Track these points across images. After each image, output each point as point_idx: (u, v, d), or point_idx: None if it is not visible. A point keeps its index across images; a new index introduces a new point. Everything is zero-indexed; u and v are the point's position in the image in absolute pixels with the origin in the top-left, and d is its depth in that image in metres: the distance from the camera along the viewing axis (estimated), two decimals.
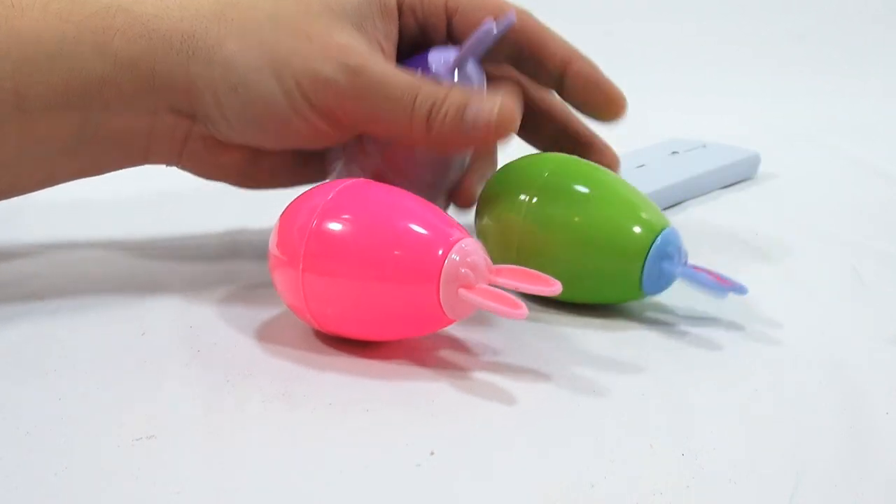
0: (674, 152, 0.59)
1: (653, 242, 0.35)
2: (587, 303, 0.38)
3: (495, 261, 0.33)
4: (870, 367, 0.33)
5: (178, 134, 0.37)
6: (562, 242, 0.36)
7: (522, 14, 0.41)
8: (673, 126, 0.67)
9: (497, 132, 0.35)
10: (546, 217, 0.36)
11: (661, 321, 0.37)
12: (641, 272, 0.35)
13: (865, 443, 0.28)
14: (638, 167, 0.54)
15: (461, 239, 0.31)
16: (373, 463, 0.27)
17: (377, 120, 0.35)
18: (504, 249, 0.36)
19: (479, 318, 0.36)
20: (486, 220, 0.38)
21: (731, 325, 0.36)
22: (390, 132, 0.36)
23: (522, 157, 0.39)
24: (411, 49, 0.39)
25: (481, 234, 0.38)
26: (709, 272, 0.36)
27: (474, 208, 0.39)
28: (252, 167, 0.39)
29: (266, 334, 0.35)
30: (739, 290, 0.35)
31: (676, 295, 0.39)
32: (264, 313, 0.36)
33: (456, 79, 0.36)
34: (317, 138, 0.37)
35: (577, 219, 0.36)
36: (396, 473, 0.26)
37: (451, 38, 0.39)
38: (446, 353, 0.34)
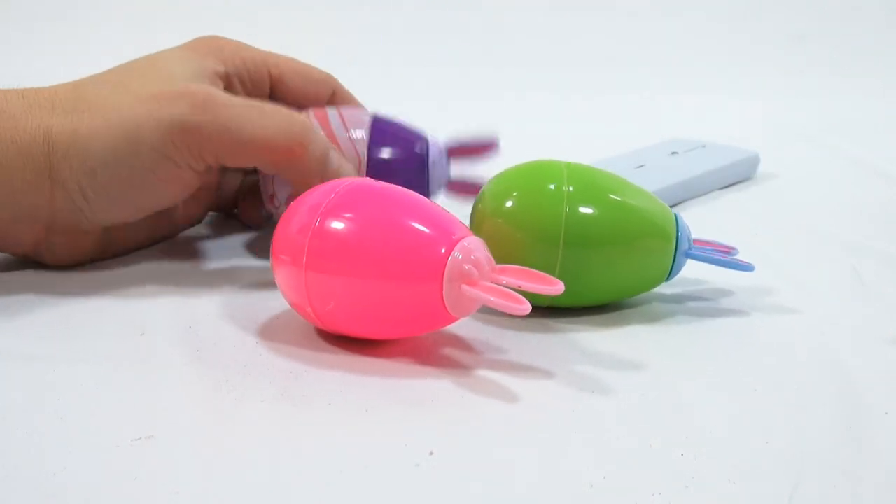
0: (673, 152, 0.59)
1: (678, 222, 0.36)
2: (618, 298, 0.38)
3: (532, 254, 0.33)
4: (870, 367, 0.33)
5: (32, 237, 0.38)
6: (609, 226, 0.35)
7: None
8: (673, 126, 0.67)
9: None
10: (590, 201, 0.35)
11: (661, 321, 0.37)
12: (675, 252, 0.36)
13: (865, 443, 0.28)
14: (638, 167, 0.55)
15: (464, 237, 0.31)
16: (372, 463, 0.27)
17: (241, 149, 0.37)
18: (546, 240, 0.35)
19: (479, 318, 0.36)
20: (512, 217, 0.35)
21: (731, 325, 0.36)
22: (259, 159, 0.38)
23: (515, 166, 0.38)
24: None
25: (496, 230, 0.36)
26: (714, 245, 0.38)
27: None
28: (108, 242, 0.40)
29: (266, 334, 0.35)
30: (746, 267, 0.37)
31: (676, 295, 0.39)
32: (264, 313, 0.36)
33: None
34: (181, 190, 0.38)
35: (618, 198, 0.36)
36: (396, 473, 0.26)
37: (275, 101, 0.41)
38: (446, 353, 0.34)
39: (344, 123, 0.41)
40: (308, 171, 0.37)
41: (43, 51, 0.88)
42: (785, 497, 0.25)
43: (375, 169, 0.40)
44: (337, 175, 0.38)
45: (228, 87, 0.41)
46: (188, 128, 0.36)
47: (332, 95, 0.45)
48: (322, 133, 0.39)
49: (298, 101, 0.43)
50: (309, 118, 0.41)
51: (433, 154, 0.42)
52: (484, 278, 0.31)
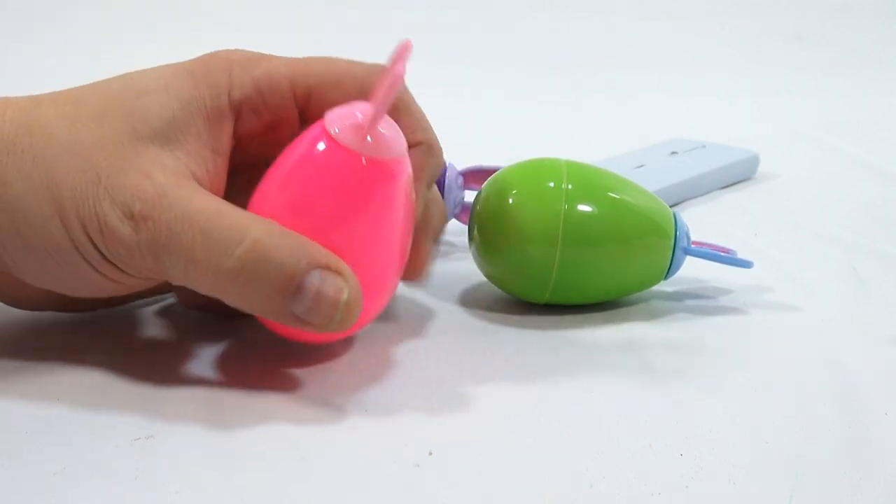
0: (673, 152, 0.59)
1: (676, 220, 0.36)
2: (617, 296, 0.38)
3: (530, 251, 0.34)
4: (870, 367, 0.33)
5: None
6: (608, 223, 0.35)
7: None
8: (673, 126, 0.67)
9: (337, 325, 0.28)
10: (588, 198, 0.35)
11: (660, 319, 0.37)
12: (673, 250, 0.36)
13: (865, 443, 0.28)
14: (638, 167, 0.55)
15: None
16: (371, 463, 0.27)
17: (186, 277, 0.28)
18: (544, 238, 0.35)
19: (479, 318, 0.36)
20: (511, 214, 0.35)
21: (730, 324, 0.36)
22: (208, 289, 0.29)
23: (514, 164, 0.38)
24: (262, 148, 0.32)
25: (495, 228, 0.36)
26: (711, 246, 0.37)
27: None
28: (67, 298, 0.33)
29: (266, 334, 0.35)
30: (744, 263, 0.37)
31: (676, 294, 0.39)
32: None
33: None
34: (119, 289, 0.31)
35: (617, 196, 0.36)
36: (395, 473, 0.26)
37: (306, 124, 0.31)
38: (445, 353, 0.34)
39: None
40: (262, 309, 0.29)
41: (42, 52, 0.88)
42: (784, 497, 0.25)
43: None
44: (315, 309, 0.28)
45: (239, 119, 0.31)
46: (118, 240, 0.28)
47: None
48: (288, 253, 0.28)
49: None
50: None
51: (450, 177, 0.42)
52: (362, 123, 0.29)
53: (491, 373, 0.32)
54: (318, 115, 0.30)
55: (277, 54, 0.33)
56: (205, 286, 0.28)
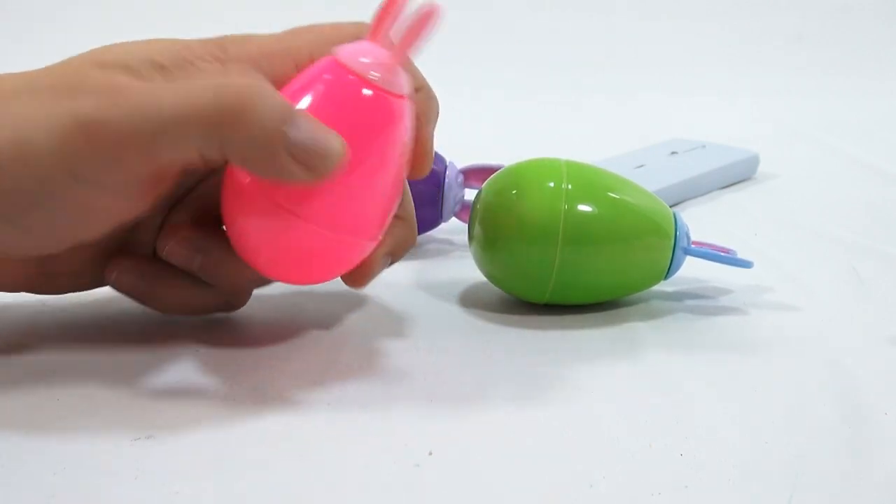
0: (673, 152, 0.59)
1: (676, 220, 0.36)
2: (617, 296, 0.38)
3: (530, 251, 0.34)
4: (870, 367, 0.33)
5: None
6: (608, 223, 0.35)
7: None
8: (673, 126, 0.67)
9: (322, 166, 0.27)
10: (589, 198, 0.35)
11: (660, 319, 0.37)
12: (673, 249, 0.36)
13: (865, 443, 0.28)
14: (637, 167, 0.55)
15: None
16: (372, 463, 0.27)
17: (163, 134, 0.27)
18: (544, 238, 0.34)
19: (479, 318, 0.36)
20: (511, 214, 0.35)
21: (730, 324, 0.36)
22: (188, 140, 0.27)
23: (514, 164, 0.37)
24: None
25: (495, 227, 0.36)
26: (711, 246, 0.37)
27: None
28: (47, 275, 0.32)
29: (266, 335, 0.35)
30: (744, 263, 0.37)
31: (676, 294, 0.39)
32: (265, 314, 0.36)
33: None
34: (109, 217, 0.29)
35: (617, 196, 0.36)
36: (395, 473, 0.26)
37: None
38: (444, 353, 0.34)
39: None
40: (255, 139, 0.27)
41: (42, 51, 0.88)
42: (784, 497, 0.25)
43: None
44: (310, 145, 0.27)
45: None
46: (93, 128, 0.26)
47: None
48: (281, 97, 0.28)
49: None
50: None
51: (450, 176, 0.42)
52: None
53: (491, 373, 0.32)
54: None
55: None
56: (174, 142, 0.27)
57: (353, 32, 0.31)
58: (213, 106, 0.26)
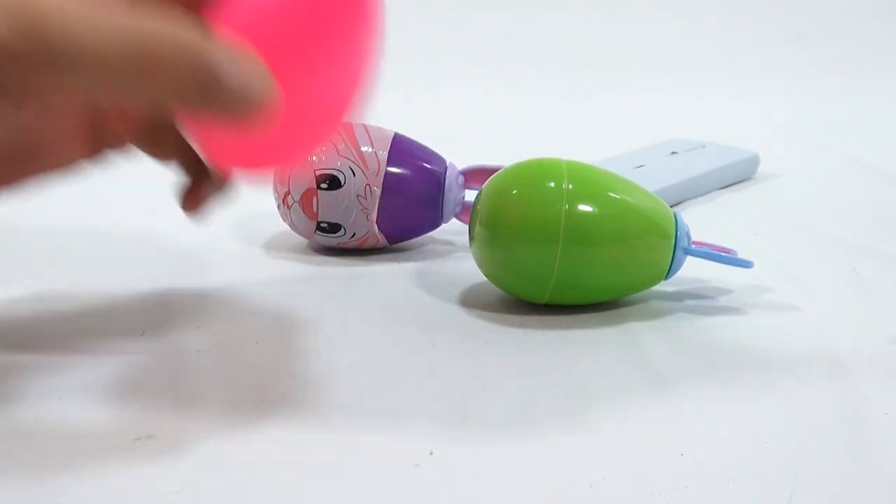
0: (673, 152, 0.59)
1: (677, 220, 0.36)
2: (617, 296, 0.38)
3: (531, 251, 0.33)
4: (870, 367, 0.33)
5: None
6: (608, 223, 0.35)
7: None
8: (673, 126, 0.67)
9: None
10: (589, 198, 0.35)
11: (660, 319, 0.37)
12: (674, 249, 0.36)
13: (865, 443, 0.28)
14: (637, 167, 0.55)
15: None
16: (372, 463, 0.27)
17: (91, 81, 0.23)
18: (546, 238, 0.34)
19: (478, 318, 0.36)
20: (511, 214, 0.35)
21: (730, 324, 0.36)
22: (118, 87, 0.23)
23: (515, 164, 0.37)
24: None
25: (495, 227, 0.36)
26: (711, 246, 0.37)
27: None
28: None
29: (266, 335, 0.35)
30: (744, 263, 0.37)
31: (676, 294, 0.39)
32: (265, 314, 0.36)
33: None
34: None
35: (617, 196, 0.36)
36: (395, 473, 0.26)
37: None
38: (444, 353, 0.34)
39: (368, 136, 0.41)
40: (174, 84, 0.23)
41: None
42: (784, 497, 0.25)
43: (393, 183, 0.41)
44: (245, 90, 0.24)
45: None
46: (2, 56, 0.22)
47: None
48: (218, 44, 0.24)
49: None
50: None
51: (450, 176, 0.42)
52: None
53: (491, 373, 0.32)
54: None
55: None
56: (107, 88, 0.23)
57: None
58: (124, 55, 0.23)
